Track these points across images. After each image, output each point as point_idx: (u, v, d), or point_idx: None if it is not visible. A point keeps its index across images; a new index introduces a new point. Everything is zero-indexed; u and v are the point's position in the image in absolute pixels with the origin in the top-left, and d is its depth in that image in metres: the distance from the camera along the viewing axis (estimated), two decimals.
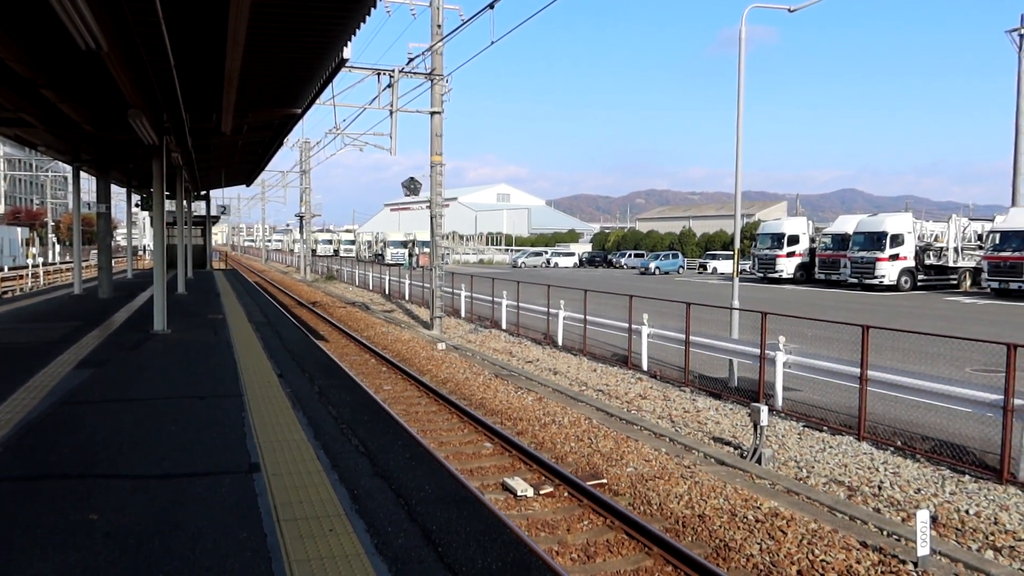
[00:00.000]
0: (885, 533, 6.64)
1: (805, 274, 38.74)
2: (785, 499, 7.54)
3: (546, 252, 68.97)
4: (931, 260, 33.95)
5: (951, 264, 34.03)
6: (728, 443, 9.56)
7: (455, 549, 4.20)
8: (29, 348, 10.64)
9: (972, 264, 33.86)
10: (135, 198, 30.63)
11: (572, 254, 68.31)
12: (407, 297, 30.25)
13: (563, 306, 17.44)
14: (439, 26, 19.70)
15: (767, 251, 39.98)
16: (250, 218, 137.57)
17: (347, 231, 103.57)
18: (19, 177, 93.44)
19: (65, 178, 69.30)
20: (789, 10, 13.10)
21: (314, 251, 62.06)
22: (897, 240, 32.90)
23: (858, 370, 9.57)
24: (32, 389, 7.76)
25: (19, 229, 57.85)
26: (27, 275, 34.17)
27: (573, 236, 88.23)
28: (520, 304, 20.09)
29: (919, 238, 33.76)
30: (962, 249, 34.11)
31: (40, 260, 40.70)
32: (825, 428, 9.91)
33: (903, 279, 33.14)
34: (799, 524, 6.75)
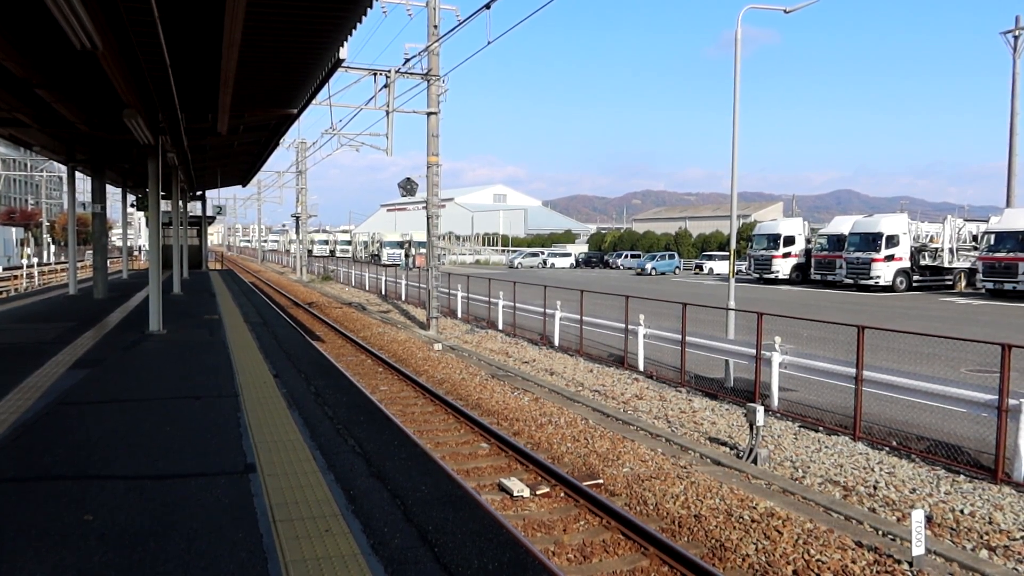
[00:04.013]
0: (880, 533, 6.66)
1: (801, 275, 38.80)
2: (781, 499, 7.56)
3: (542, 253, 68.93)
4: (926, 261, 34.04)
5: (946, 265, 34.12)
6: (724, 443, 9.57)
7: (452, 549, 4.20)
8: (24, 348, 10.61)
9: (967, 265, 33.97)
10: (131, 198, 30.57)
11: (568, 255, 68.29)
12: (403, 298, 30.23)
13: (559, 307, 17.45)
14: (435, 26, 19.69)
15: (763, 252, 40.02)
16: (246, 219, 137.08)
17: (343, 231, 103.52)
18: (14, 177, 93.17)
19: (60, 178, 69.15)
20: (785, 11, 13.14)
21: (310, 252, 61.97)
22: (892, 241, 32.97)
23: (854, 370, 9.58)
24: (27, 390, 7.74)
25: (14, 229, 57.70)
26: (22, 275, 34.08)
27: (569, 237, 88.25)
28: (516, 305, 20.09)
29: (914, 239, 33.84)
30: (957, 250, 34.21)
31: (35, 260, 40.61)
32: (821, 428, 9.92)
33: (898, 280, 33.22)
34: (795, 524, 6.76)
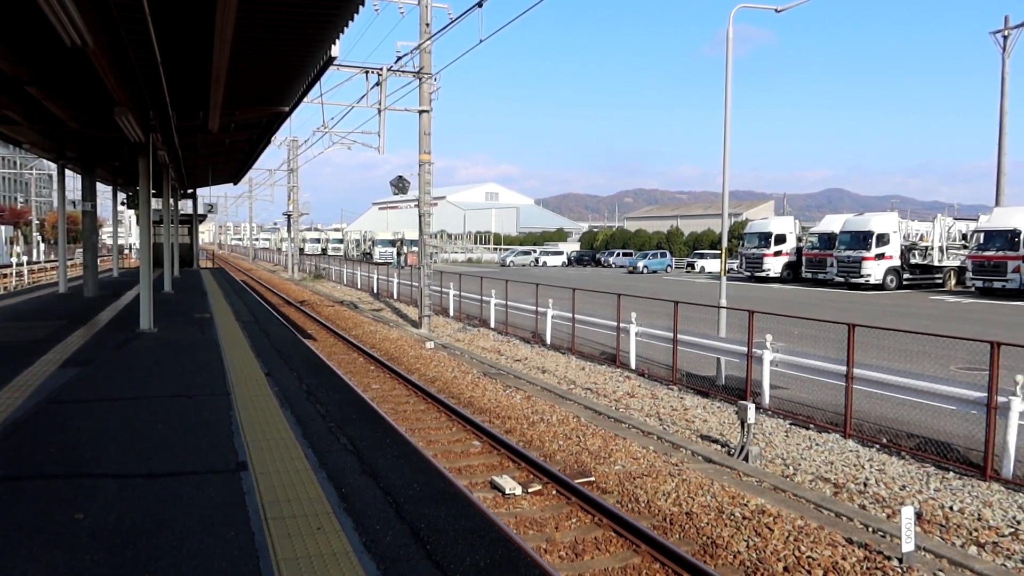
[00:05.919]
0: (870, 530, 6.70)
1: (792, 273, 38.96)
2: (772, 496, 7.59)
3: (535, 251, 68.98)
4: (916, 259, 34.22)
5: (936, 263, 34.31)
6: (716, 441, 9.61)
7: (444, 547, 4.21)
8: (13, 347, 10.55)
9: (957, 263, 34.16)
10: (121, 196, 30.42)
11: (561, 253, 68.38)
12: (395, 296, 30.19)
13: (551, 305, 17.46)
14: (427, 24, 19.68)
15: (754, 250, 40.17)
16: (237, 217, 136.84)
17: (335, 230, 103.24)
18: (3, 175, 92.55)
19: (50, 176, 68.76)
20: (776, 10, 13.18)
21: (302, 250, 61.85)
22: (883, 239, 33.13)
23: (844, 368, 9.64)
24: (16, 388, 7.70)
25: (3, 227, 57.26)
26: (11, 274, 33.86)
27: (561, 235, 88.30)
28: (509, 303, 20.09)
29: (905, 237, 34.02)
30: (947, 248, 34.40)
31: (24, 259, 40.30)
32: (811, 426, 9.97)
33: (889, 278, 33.39)
34: (785, 521, 6.80)
